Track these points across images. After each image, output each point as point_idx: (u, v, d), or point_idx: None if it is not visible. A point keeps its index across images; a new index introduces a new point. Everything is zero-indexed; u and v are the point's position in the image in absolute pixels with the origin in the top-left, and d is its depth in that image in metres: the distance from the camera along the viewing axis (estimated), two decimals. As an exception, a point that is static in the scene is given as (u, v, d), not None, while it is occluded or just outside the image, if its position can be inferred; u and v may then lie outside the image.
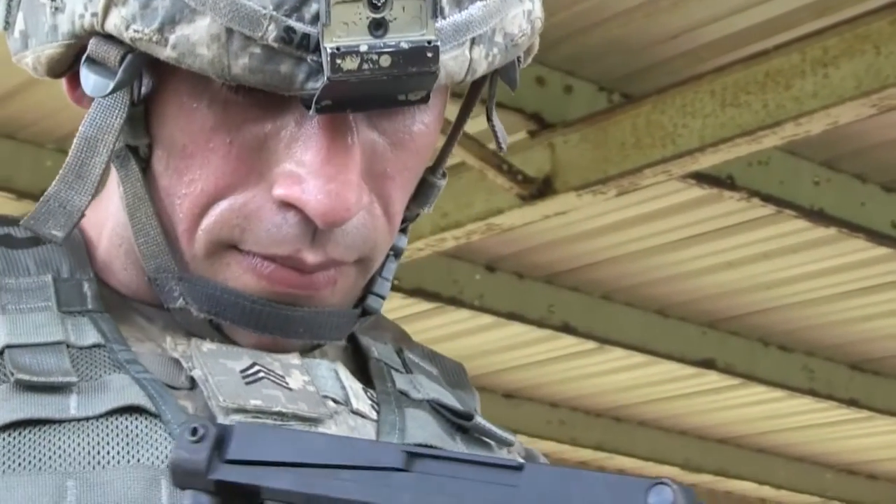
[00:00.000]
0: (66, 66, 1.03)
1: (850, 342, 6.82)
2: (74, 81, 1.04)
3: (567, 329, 6.24)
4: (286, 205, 0.99)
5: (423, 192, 1.09)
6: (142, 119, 1.01)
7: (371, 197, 1.01)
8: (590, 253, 5.97)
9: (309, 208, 0.97)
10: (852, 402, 7.09)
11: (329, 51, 0.91)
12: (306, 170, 0.97)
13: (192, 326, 1.04)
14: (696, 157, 4.38)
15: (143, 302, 1.07)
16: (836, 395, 7.04)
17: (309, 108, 0.94)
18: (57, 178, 1.00)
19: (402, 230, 1.10)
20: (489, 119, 1.10)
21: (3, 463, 0.95)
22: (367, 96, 0.94)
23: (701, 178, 4.78)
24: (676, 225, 5.65)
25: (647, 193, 5.16)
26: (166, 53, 0.94)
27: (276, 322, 1.02)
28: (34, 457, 0.96)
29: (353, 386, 1.07)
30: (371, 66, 0.91)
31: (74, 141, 0.99)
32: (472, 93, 1.10)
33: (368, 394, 1.08)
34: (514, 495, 0.71)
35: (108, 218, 1.09)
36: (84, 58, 0.99)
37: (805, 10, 4.25)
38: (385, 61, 0.91)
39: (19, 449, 0.96)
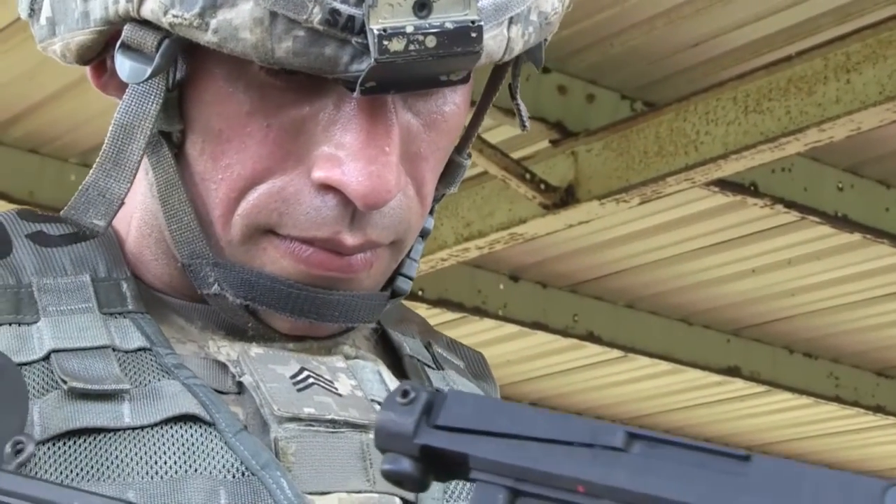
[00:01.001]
0: (96, 52, 1.02)
1: (876, 348, 6.80)
2: (100, 68, 1.04)
3: (591, 338, 6.23)
4: (325, 187, 0.98)
5: (449, 172, 1.09)
6: (176, 104, 1.00)
7: (406, 178, 1.01)
8: (613, 261, 5.97)
9: (350, 190, 0.96)
10: (879, 409, 7.07)
11: (376, 32, 0.90)
12: (346, 152, 0.97)
13: (228, 313, 1.04)
14: (719, 164, 4.37)
15: (177, 295, 1.07)
16: (863, 402, 7.02)
17: (352, 90, 0.93)
18: (94, 166, 0.99)
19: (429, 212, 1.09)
20: (513, 98, 1.09)
21: (61, 473, 0.95)
22: (411, 77, 0.94)
23: (724, 185, 4.77)
24: (700, 232, 5.64)
25: (671, 201, 5.15)
26: (207, 38, 0.93)
27: (313, 306, 1.01)
28: (92, 466, 0.95)
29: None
30: (417, 46, 0.91)
31: (110, 128, 0.98)
32: (498, 72, 1.10)
33: None
34: (739, 486, 0.67)
35: (136, 209, 1.08)
36: (119, 44, 0.98)
37: (827, 17, 4.24)
38: (430, 42, 0.91)
39: (76, 458, 0.95)
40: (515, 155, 4.68)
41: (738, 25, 4.34)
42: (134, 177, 0.99)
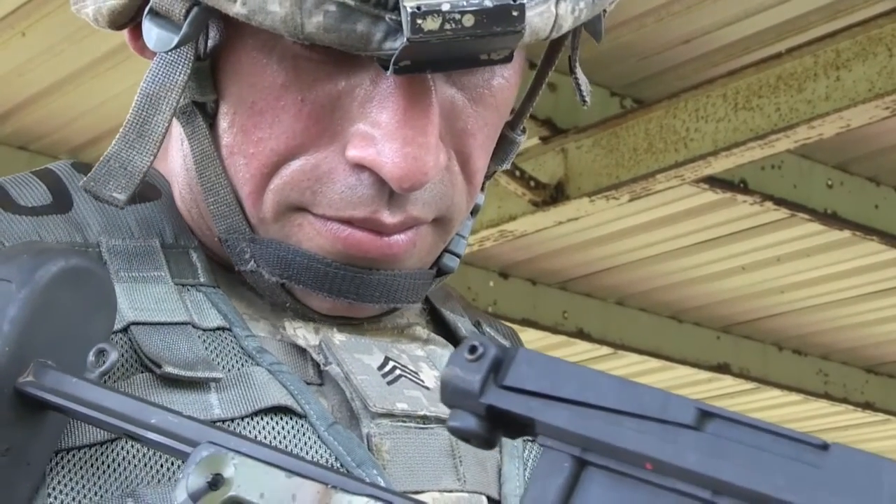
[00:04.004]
0: (129, 17, 0.97)
1: (865, 345, 6.81)
2: (136, 32, 0.98)
3: (581, 335, 6.23)
4: (360, 166, 0.93)
5: (502, 148, 1.04)
6: (209, 74, 0.95)
7: (449, 153, 0.96)
8: (603, 258, 5.97)
9: (385, 171, 0.91)
10: (868, 406, 7.08)
11: (409, 10, 0.85)
12: (382, 131, 0.92)
13: (266, 290, 0.99)
14: (708, 161, 4.37)
15: (230, 271, 1.01)
16: (852, 399, 7.03)
17: (386, 68, 0.88)
18: (117, 137, 0.94)
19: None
20: (572, 71, 1.04)
21: (157, 471, 0.89)
22: (448, 56, 0.88)
23: (714, 182, 4.77)
24: (689, 230, 5.64)
25: (660, 198, 5.15)
26: (235, 10, 0.89)
27: (352, 286, 0.96)
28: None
29: None
30: (453, 25, 0.85)
31: (135, 98, 0.94)
32: (555, 45, 1.05)
33: None
34: (814, 476, 0.64)
35: (173, 179, 1.04)
36: (147, 10, 0.93)
37: (817, 13, 4.24)
38: (468, 21, 0.85)
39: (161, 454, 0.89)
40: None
41: (728, 22, 4.34)
42: (158, 149, 0.94)
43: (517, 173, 4.67)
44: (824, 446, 0.65)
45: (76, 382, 0.84)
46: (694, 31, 4.39)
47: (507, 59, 0.90)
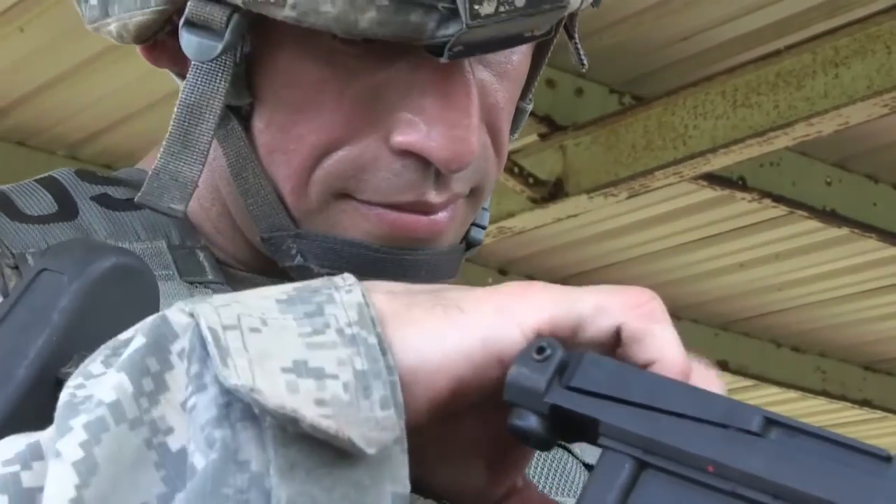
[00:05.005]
0: (155, 31, 0.98)
1: (863, 343, 6.81)
2: (153, 45, 0.99)
3: (579, 332, 6.22)
4: (404, 152, 0.95)
5: (515, 119, 1.06)
6: (244, 77, 0.96)
7: (483, 129, 0.99)
8: (601, 255, 5.97)
9: (434, 155, 0.94)
10: (865, 403, 7.08)
11: None
12: (426, 117, 0.94)
13: None
14: (707, 158, 4.38)
15: (243, 270, 1.03)
16: (850, 396, 7.03)
17: (438, 55, 0.90)
18: (162, 150, 0.95)
19: None
20: (570, 37, 1.07)
21: None
22: (498, 38, 0.91)
23: (712, 179, 4.77)
24: (688, 227, 5.64)
25: (659, 195, 5.15)
26: (284, 14, 0.89)
27: (399, 268, 0.98)
28: None
29: None
30: (507, 7, 0.89)
31: (175, 109, 0.95)
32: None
33: None
34: (875, 488, 0.64)
35: None
36: (183, 21, 0.93)
37: (816, 11, 4.24)
38: (520, 1, 0.89)
39: None
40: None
41: (727, 19, 4.34)
42: (205, 158, 0.95)
43: (516, 170, 4.67)
44: (888, 458, 0.65)
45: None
46: (693, 28, 4.39)
47: (548, 34, 0.95)
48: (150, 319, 0.70)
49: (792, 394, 6.99)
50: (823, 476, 0.65)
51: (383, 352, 0.69)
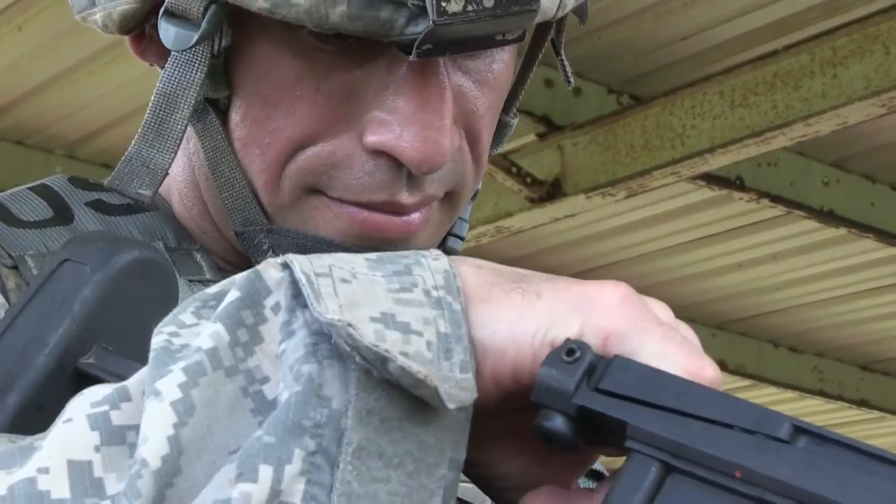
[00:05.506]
0: (139, 21, 0.99)
1: (861, 343, 6.81)
2: (139, 36, 1.01)
3: (577, 331, 6.23)
4: (377, 151, 0.96)
5: (498, 131, 1.07)
6: (222, 70, 0.98)
7: (460, 134, 0.99)
8: (599, 255, 5.97)
9: (405, 156, 0.95)
10: (863, 403, 7.08)
11: None
12: (399, 117, 0.95)
13: None
14: (705, 158, 4.38)
15: (231, 268, 1.04)
16: (847, 396, 7.04)
17: (407, 53, 0.91)
18: (136, 137, 0.97)
19: None
20: (557, 53, 1.08)
21: None
22: (467, 38, 0.92)
23: (710, 179, 4.78)
24: (686, 227, 5.64)
25: (657, 195, 5.15)
26: (258, 5, 0.91)
27: None
28: None
29: None
30: (475, 7, 0.89)
31: (152, 98, 0.96)
32: (542, 28, 1.08)
33: None
34: None
35: (171, 185, 1.06)
36: (162, 11, 0.95)
37: (814, 11, 4.24)
38: (488, 2, 0.90)
39: None
40: (502, 148, 4.68)
41: (725, 20, 4.34)
42: (178, 146, 0.97)
43: (514, 170, 4.67)
44: None
45: (137, 368, 0.85)
46: (691, 28, 4.39)
47: (520, 39, 0.96)
48: (244, 274, 0.71)
49: (789, 394, 7.00)
50: (850, 485, 0.65)
51: (466, 320, 0.70)
